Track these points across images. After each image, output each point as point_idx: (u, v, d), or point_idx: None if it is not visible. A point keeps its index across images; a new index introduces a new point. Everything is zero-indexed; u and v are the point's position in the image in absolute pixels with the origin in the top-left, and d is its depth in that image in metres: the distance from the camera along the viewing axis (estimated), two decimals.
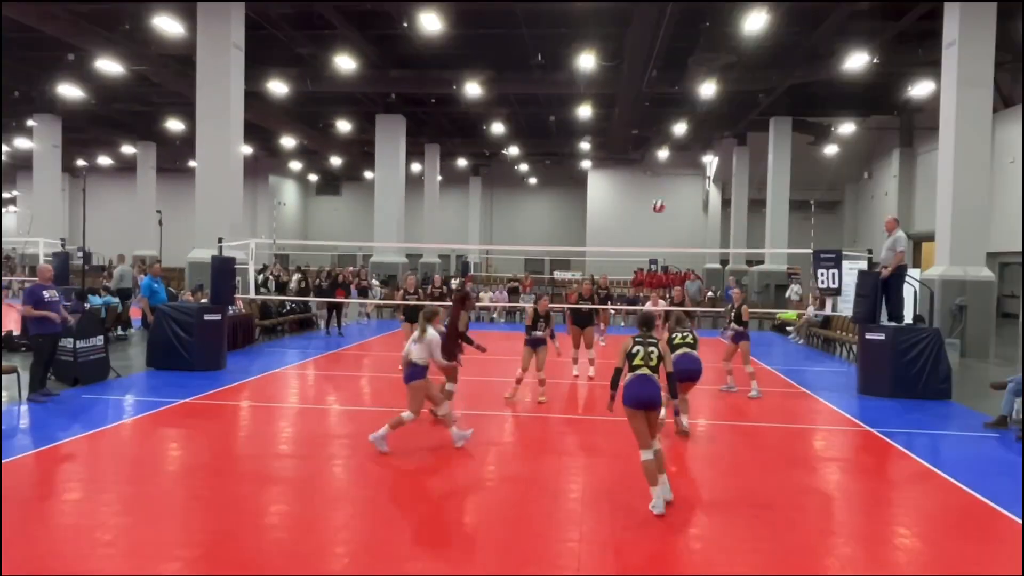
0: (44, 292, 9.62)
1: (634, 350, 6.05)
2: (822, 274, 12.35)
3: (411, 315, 12.27)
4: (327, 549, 5.07)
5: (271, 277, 22.52)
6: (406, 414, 7.50)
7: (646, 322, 6.35)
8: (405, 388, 7.56)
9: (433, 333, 7.57)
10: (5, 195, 48.65)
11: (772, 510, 5.99)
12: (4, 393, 9.56)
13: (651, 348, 6.05)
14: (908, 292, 12.30)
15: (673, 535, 5.43)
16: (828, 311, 14.42)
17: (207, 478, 6.57)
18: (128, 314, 16.76)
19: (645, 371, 5.96)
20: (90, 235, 21.94)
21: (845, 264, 13.20)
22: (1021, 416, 8.81)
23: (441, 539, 5.25)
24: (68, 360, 10.47)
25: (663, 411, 6.80)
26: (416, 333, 7.55)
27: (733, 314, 11.54)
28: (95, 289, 16.81)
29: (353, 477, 6.87)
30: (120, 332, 15.80)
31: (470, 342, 9.31)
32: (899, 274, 11.57)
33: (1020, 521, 5.74)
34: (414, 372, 7.50)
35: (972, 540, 5.51)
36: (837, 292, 12.45)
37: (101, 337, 11.03)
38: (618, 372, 6.14)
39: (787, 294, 25.83)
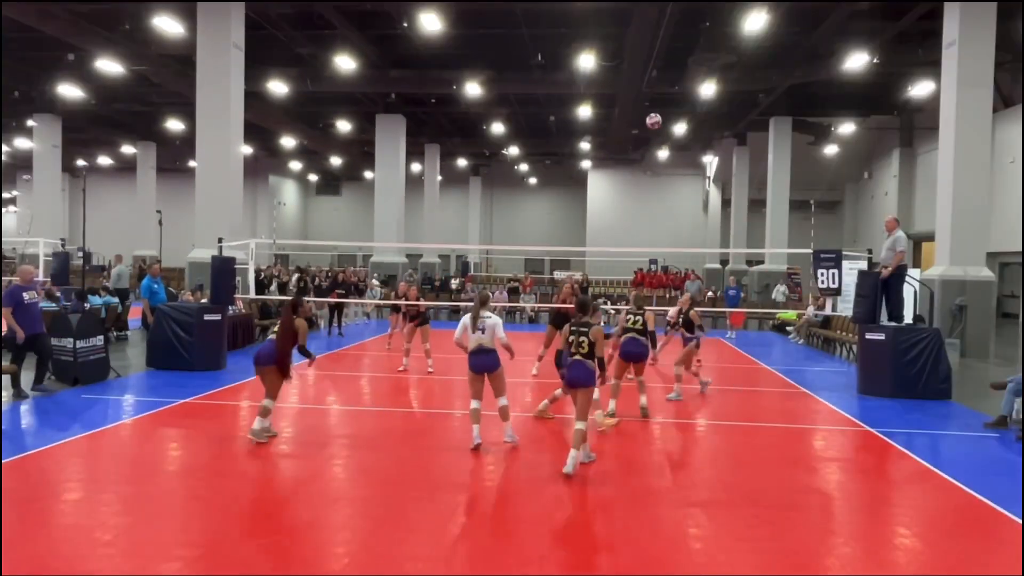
0: (24, 293, 9.61)
1: (570, 338, 6.75)
2: (822, 274, 12.35)
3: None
4: (327, 549, 5.07)
5: (273, 276, 22.54)
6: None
7: (581, 308, 6.94)
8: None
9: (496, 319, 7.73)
10: (5, 195, 48.66)
11: (772, 510, 5.99)
12: (4, 393, 9.56)
13: (582, 337, 6.71)
14: (908, 292, 12.30)
15: (673, 534, 5.43)
16: (828, 311, 14.42)
17: (207, 478, 6.57)
18: (127, 314, 16.77)
19: (578, 357, 6.70)
20: (90, 235, 21.95)
21: (845, 264, 13.21)
22: (1021, 416, 8.80)
23: (442, 539, 5.25)
24: (68, 360, 10.47)
25: (597, 392, 7.28)
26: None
27: (681, 319, 11.16)
28: (95, 289, 16.79)
29: (353, 477, 6.87)
30: (118, 332, 15.80)
31: (308, 355, 8.06)
32: (899, 274, 11.58)
33: (1020, 521, 5.74)
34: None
35: (972, 540, 5.51)
36: (837, 292, 12.45)
37: (101, 337, 11.02)
38: (560, 353, 7.06)
39: (772, 295, 25.84)
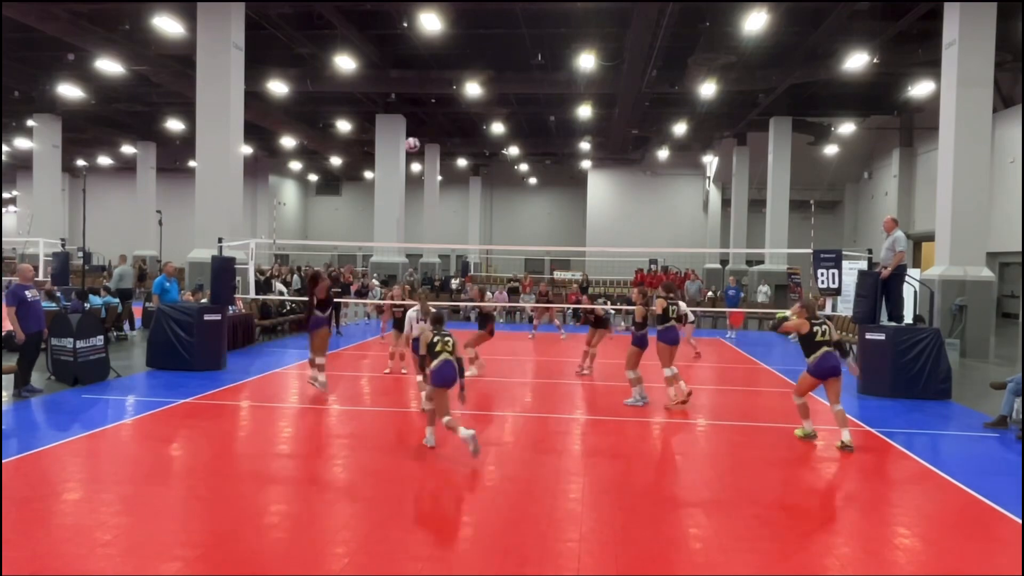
0: (26, 292, 9.65)
1: (434, 340, 7.44)
2: (822, 274, 12.35)
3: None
4: (327, 549, 5.07)
5: (273, 277, 22.53)
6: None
7: (438, 321, 7.83)
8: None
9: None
10: (5, 195, 48.67)
11: (772, 510, 5.99)
12: (4, 393, 9.57)
13: (447, 339, 7.45)
14: (908, 292, 12.31)
15: (673, 535, 5.43)
16: (828, 311, 14.41)
17: (207, 478, 6.57)
18: (130, 314, 16.78)
19: (447, 356, 7.35)
20: (90, 235, 21.96)
21: (845, 264, 13.20)
22: (1021, 416, 8.81)
23: (441, 539, 5.25)
24: (68, 360, 10.48)
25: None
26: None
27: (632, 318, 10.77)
28: (95, 289, 16.79)
29: (353, 477, 6.87)
30: (119, 332, 15.80)
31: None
32: (899, 274, 11.58)
33: (1020, 521, 5.74)
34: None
35: (972, 540, 5.51)
36: (837, 292, 12.45)
37: (101, 337, 11.02)
38: (423, 359, 7.58)
39: (755, 296, 25.85)
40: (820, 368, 8.12)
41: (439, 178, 36.50)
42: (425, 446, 7.69)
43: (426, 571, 4.70)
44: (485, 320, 12.72)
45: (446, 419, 7.24)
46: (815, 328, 8.19)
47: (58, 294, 15.15)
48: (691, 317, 14.86)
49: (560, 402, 10.62)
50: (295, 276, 23.23)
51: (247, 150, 29.14)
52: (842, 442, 7.92)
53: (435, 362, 7.32)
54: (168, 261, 16.81)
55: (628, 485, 6.62)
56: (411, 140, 12.13)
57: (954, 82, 15.30)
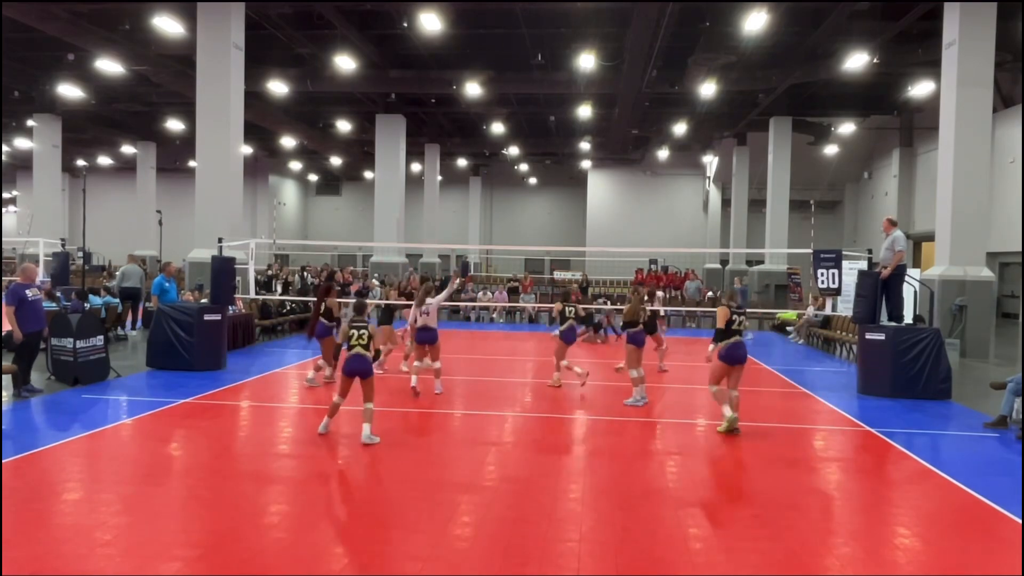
0: (27, 291, 9.67)
1: (351, 333, 7.80)
2: (822, 274, 12.35)
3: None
4: (327, 549, 5.07)
5: (274, 276, 22.56)
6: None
7: (358, 309, 8.18)
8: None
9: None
10: (5, 195, 48.67)
11: (772, 510, 5.99)
12: (4, 393, 9.57)
13: (363, 331, 7.82)
14: (908, 292, 12.31)
15: (673, 535, 5.43)
16: (828, 311, 14.42)
17: (207, 478, 6.57)
18: (136, 314, 16.79)
19: (359, 349, 7.77)
20: (90, 235, 21.95)
21: (845, 264, 13.21)
22: (1021, 416, 8.81)
23: (441, 539, 5.25)
24: (68, 360, 10.48)
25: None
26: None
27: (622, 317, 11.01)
28: (95, 289, 16.79)
29: (353, 477, 6.87)
30: (120, 332, 15.80)
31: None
32: (899, 274, 11.58)
33: (1020, 521, 5.74)
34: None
35: (972, 540, 5.51)
36: (837, 292, 12.45)
37: (101, 337, 11.02)
38: (338, 348, 8.25)
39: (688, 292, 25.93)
40: (730, 355, 8.53)
41: (439, 178, 36.49)
42: (423, 447, 7.68)
43: (427, 571, 4.71)
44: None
45: (336, 399, 7.95)
46: (734, 317, 8.62)
47: (58, 294, 15.13)
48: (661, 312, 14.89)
49: (560, 402, 10.61)
50: (297, 276, 23.22)
51: (247, 150, 29.14)
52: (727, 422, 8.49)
53: (348, 354, 7.78)
54: (169, 261, 16.77)
55: (628, 485, 6.62)
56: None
57: (954, 82, 15.29)
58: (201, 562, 4.76)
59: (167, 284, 14.03)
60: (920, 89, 22.37)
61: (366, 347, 7.81)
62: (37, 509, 5.63)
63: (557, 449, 7.91)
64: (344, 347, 8.02)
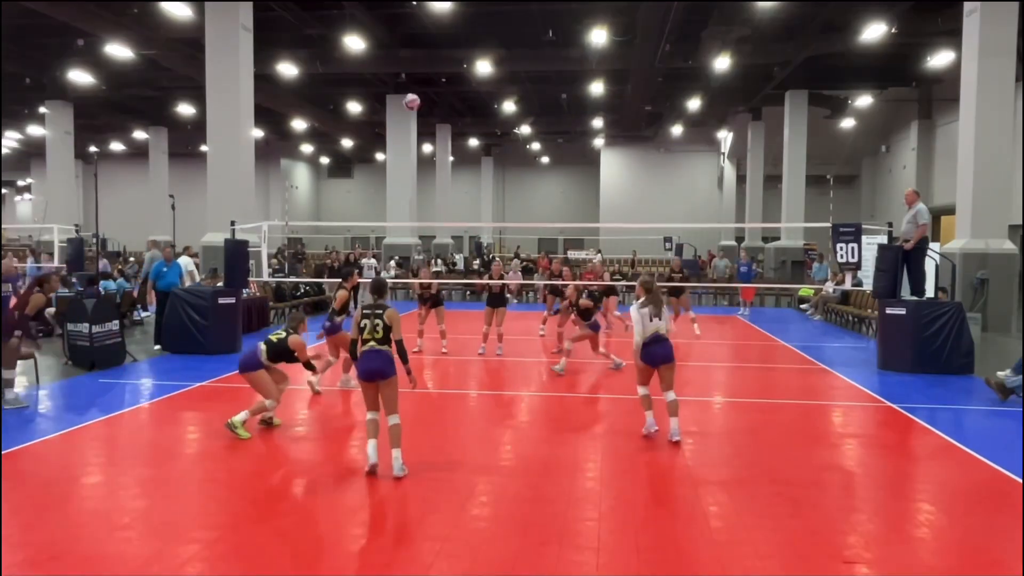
0: None
1: (363, 324, 6.03)
2: (841, 248, 12.16)
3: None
4: (345, 530, 5.05)
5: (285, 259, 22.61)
6: None
7: (377, 290, 6.34)
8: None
9: None
10: (20, 183, 48.96)
11: (794, 487, 5.91)
12: (22, 378, 9.61)
13: (377, 321, 6.01)
14: (929, 266, 12.11)
15: (693, 513, 5.36)
16: (848, 286, 14.23)
17: (224, 461, 6.57)
18: (144, 299, 16.82)
19: (373, 344, 6.00)
20: (104, 221, 22.03)
21: (863, 239, 13.00)
22: (1021, 392, 8.72)
23: (459, 518, 5.21)
24: (84, 345, 10.52)
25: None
26: None
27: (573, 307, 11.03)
28: (108, 274, 16.85)
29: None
30: (136, 316, 15.87)
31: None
32: (921, 248, 11.39)
33: None
34: None
35: (998, 514, 5.40)
36: (857, 266, 12.26)
37: (116, 322, 11.05)
38: (354, 344, 6.21)
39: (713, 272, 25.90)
40: (648, 355, 7.10)
41: (451, 158, 36.33)
42: (440, 427, 7.61)
43: (445, 550, 4.67)
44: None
45: (391, 420, 6.07)
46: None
47: (73, 280, 15.20)
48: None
49: (576, 381, 10.55)
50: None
51: (258, 133, 29.05)
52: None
53: (362, 350, 6.07)
54: (168, 245, 16.69)
55: (646, 463, 6.56)
56: (411, 96, 11.45)
57: (975, 51, 14.93)
58: (219, 544, 4.75)
59: (165, 268, 14.00)
60: (939, 59, 21.87)
61: (383, 340, 6.04)
62: (56, 493, 5.65)
63: (574, 428, 7.84)
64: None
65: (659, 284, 13.33)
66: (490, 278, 13.21)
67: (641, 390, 7.31)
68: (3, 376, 8.20)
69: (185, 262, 14.90)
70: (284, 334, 7.57)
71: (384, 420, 6.10)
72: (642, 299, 7.15)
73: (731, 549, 4.74)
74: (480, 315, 13.08)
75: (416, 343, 12.71)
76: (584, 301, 10.69)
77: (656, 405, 7.32)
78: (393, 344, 6.07)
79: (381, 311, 6.09)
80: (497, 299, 12.67)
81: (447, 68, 24.57)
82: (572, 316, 11.28)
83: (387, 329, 6.04)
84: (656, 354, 7.06)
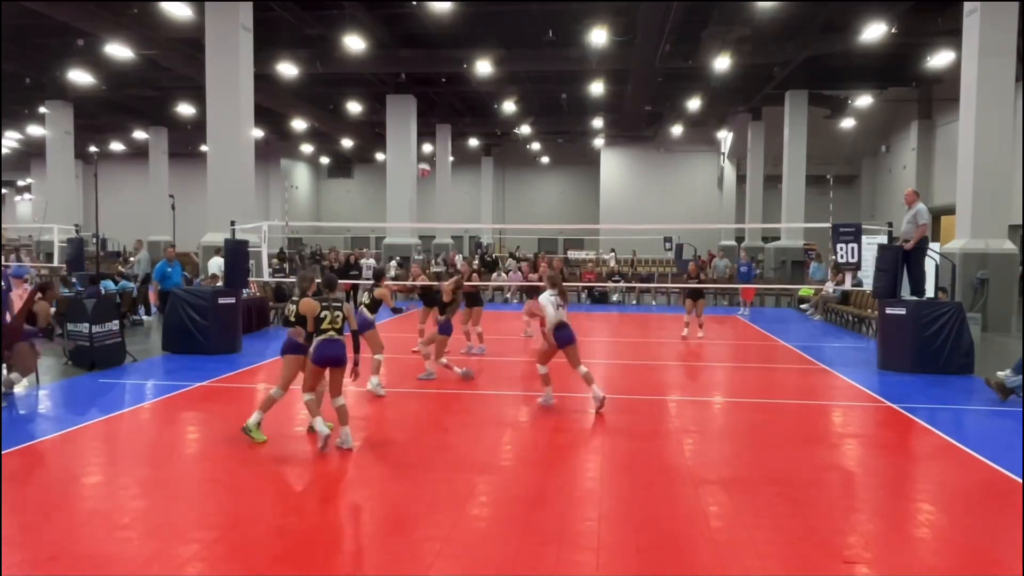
0: None
1: (322, 315, 6.62)
2: (841, 248, 12.16)
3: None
4: (344, 530, 5.05)
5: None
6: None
7: (328, 284, 7.11)
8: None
9: None
10: (20, 183, 48.97)
11: (794, 487, 5.90)
12: (22, 380, 9.62)
13: (337, 313, 6.67)
14: (929, 266, 12.12)
15: (693, 512, 5.36)
16: (848, 286, 14.24)
17: (224, 461, 6.56)
18: (146, 299, 16.83)
19: (332, 334, 6.63)
20: (104, 221, 21.99)
21: (863, 239, 13.01)
22: (1021, 392, 8.72)
23: (459, 519, 5.21)
24: (84, 345, 10.52)
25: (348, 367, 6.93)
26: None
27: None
28: (109, 274, 16.86)
29: (370, 457, 6.84)
30: (136, 317, 15.87)
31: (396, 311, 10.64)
32: (921, 248, 11.39)
33: None
34: None
35: (999, 515, 5.40)
36: (857, 266, 12.27)
37: (116, 322, 11.05)
38: (310, 336, 6.69)
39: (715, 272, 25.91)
40: (558, 337, 8.27)
41: (451, 159, 36.34)
42: (441, 427, 7.62)
43: (445, 551, 4.67)
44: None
45: (337, 401, 6.72)
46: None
47: (73, 280, 15.20)
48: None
49: (574, 381, 10.54)
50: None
51: (258, 133, 29.06)
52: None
53: (318, 339, 6.63)
54: (169, 246, 16.76)
55: (646, 463, 6.56)
56: (423, 166, 12.35)
57: (975, 51, 14.94)
58: (219, 544, 4.75)
59: (169, 269, 14.02)
60: (939, 59, 21.88)
61: (340, 331, 6.73)
62: (56, 493, 5.64)
63: (573, 428, 7.85)
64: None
65: (684, 287, 13.61)
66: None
67: (542, 369, 8.50)
68: (11, 378, 8.36)
69: (217, 263, 14.80)
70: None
71: (328, 400, 6.81)
72: (552, 291, 8.37)
73: (731, 549, 4.73)
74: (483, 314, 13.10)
75: (416, 343, 12.67)
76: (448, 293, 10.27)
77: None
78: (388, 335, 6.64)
79: (339, 304, 6.76)
80: (472, 299, 12.82)
81: (447, 68, 24.57)
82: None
83: (344, 320, 6.75)
84: (563, 337, 8.25)
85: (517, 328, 15.39)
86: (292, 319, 6.87)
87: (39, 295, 9.35)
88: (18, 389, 8.90)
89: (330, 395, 6.80)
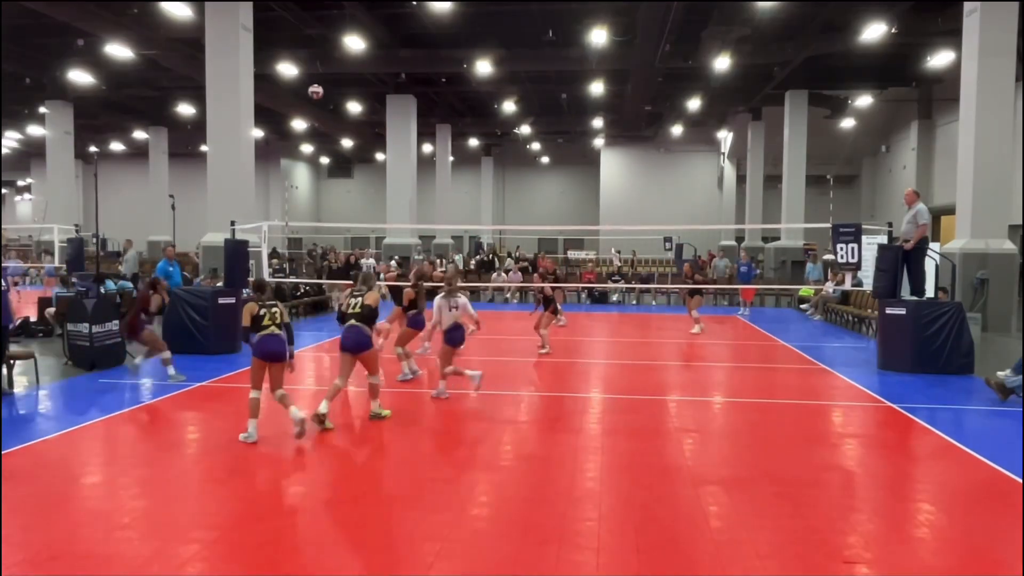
0: None
1: (260, 312, 7.15)
2: (841, 248, 12.16)
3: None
4: (344, 530, 5.04)
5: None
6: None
7: (259, 288, 7.60)
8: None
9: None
10: (20, 183, 48.97)
11: (794, 487, 5.91)
12: (23, 378, 9.62)
13: (275, 310, 7.23)
14: (929, 266, 12.12)
15: (693, 512, 5.36)
16: (848, 286, 14.24)
17: (224, 460, 6.56)
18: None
19: (273, 329, 7.14)
20: (104, 221, 22.00)
21: (863, 239, 13.00)
22: (1021, 392, 8.71)
23: (459, 519, 5.21)
24: (84, 345, 10.52)
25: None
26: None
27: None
28: (110, 274, 16.86)
29: (369, 456, 6.84)
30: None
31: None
32: (921, 248, 11.39)
33: None
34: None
35: (999, 515, 5.40)
36: (857, 267, 12.27)
37: (116, 322, 11.05)
38: (246, 330, 7.19)
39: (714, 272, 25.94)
40: (448, 338, 8.86)
41: (451, 159, 36.34)
42: (441, 427, 7.61)
43: (445, 551, 4.67)
44: (548, 302, 13.18)
45: (277, 393, 7.20)
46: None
47: (74, 280, 15.18)
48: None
49: (574, 381, 10.55)
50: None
51: (258, 133, 29.10)
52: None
53: (259, 335, 7.12)
54: (168, 245, 16.77)
55: (646, 463, 6.56)
56: (315, 87, 12.37)
57: (975, 51, 14.93)
58: (219, 544, 4.75)
59: (170, 268, 14.03)
60: (939, 59, 21.87)
61: (279, 326, 7.20)
62: (56, 493, 5.64)
63: (573, 428, 7.84)
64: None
65: (682, 287, 13.86)
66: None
67: (449, 369, 8.92)
68: (143, 353, 9.99)
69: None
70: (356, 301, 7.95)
71: (270, 395, 7.24)
72: (444, 293, 8.84)
73: (731, 549, 4.73)
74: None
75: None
76: (408, 292, 10.45)
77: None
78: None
79: (274, 303, 7.33)
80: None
81: (447, 68, 24.56)
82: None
83: (282, 316, 7.27)
84: (455, 338, 8.88)
85: (517, 328, 15.40)
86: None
87: (151, 290, 10.23)
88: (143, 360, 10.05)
89: (271, 389, 7.20)
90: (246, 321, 7.18)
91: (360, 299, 7.75)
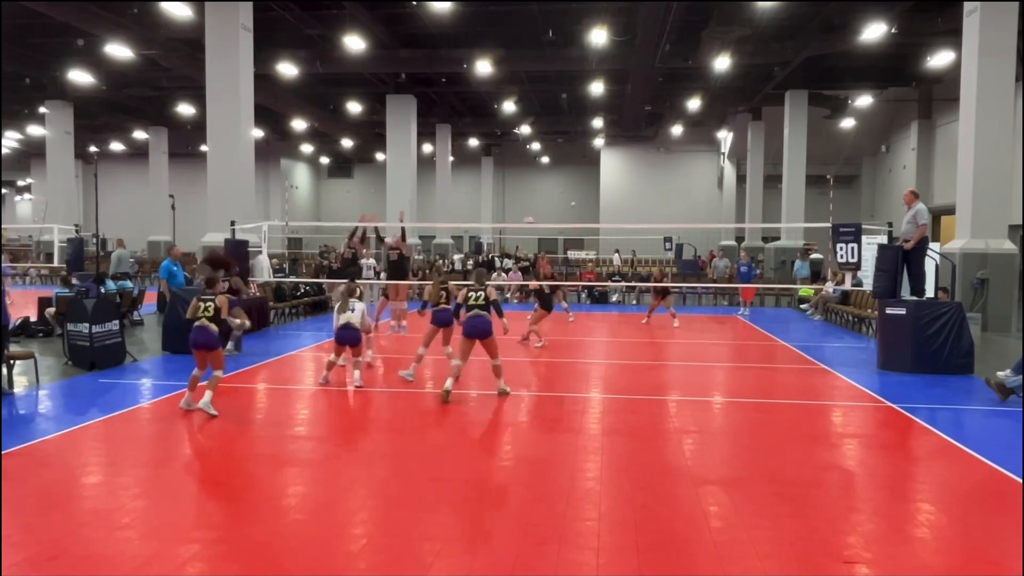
0: None
1: (199, 305, 8.01)
2: (841, 248, 12.16)
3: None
4: (344, 531, 5.04)
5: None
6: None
7: (207, 282, 8.45)
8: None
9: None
10: (20, 183, 48.97)
11: (794, 487, 5.90)
12: (22, 378, 9.62)
13: (209, 303, 8.00)
14: (929, 266, 12.12)
15: (693, 512, 5.36)
16: (848, 286, 14.24)
17: (224, 461, 6.57)
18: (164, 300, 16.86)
19: (204, 321, 7.96)
20: (104, 221, 22.01)
21: (863, 239, 13.01)
22: (1021, 392, 8.71)
23: (459, 518, 5.21)
24: (84, 345, 10.52)
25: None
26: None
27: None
28: (107, 274, 16.84)
29: (369, 458, 6.84)
30: (135, 316, 15.86)
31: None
32: (921, 248, 11.39)
33: None
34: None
35: (999, 515, 5.40)
36: (857, 267, 12.27)
37: (116, 322, 11.05)
38: (190, 322, 8.14)
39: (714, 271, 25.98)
40: (338, 337, 9.63)
41: (451, 158, 36.35)
42: (440, 428, 7.61)
43: (444, 551, 4.66)
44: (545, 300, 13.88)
45: (196, 372, 8.16)
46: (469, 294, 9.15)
47: (74, 280, 15.19)
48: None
49: (574, 381, 10.55)
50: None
51: (258, 133, 29.09)
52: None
53: (195, 325, 7.99)
54: (174, 245, 16.79)
55: (646, 463, 6.55)
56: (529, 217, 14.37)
57: (975, 51, 14.94)
58: (219, 544, 4.75)
59: (174, 267, 14.04)
60: (939, 59, 21.89)
61: (212, 319, 8.00)
62: (56, 493, 5.64)
63: (573, 428, 7.84)
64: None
65: (650, 285, 14.04)
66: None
67: (340, 360, 9.81)
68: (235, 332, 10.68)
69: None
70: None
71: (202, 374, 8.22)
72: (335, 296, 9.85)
73: (731, 549, 4.73)
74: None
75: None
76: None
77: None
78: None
79: (212, 296, 8.12)
80: (396, 271, 14.73)
81: (447, 68, 24.57)
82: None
83: (217, 310, 8.05)
84: (345, 337, 9.61)
85: (517, 329, 15.40)
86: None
87: (227, 274, 10.71)
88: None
89: (213, 367, 8.15)
90: (190, 314, 8.09)
91: (483, 292, 8.82)
